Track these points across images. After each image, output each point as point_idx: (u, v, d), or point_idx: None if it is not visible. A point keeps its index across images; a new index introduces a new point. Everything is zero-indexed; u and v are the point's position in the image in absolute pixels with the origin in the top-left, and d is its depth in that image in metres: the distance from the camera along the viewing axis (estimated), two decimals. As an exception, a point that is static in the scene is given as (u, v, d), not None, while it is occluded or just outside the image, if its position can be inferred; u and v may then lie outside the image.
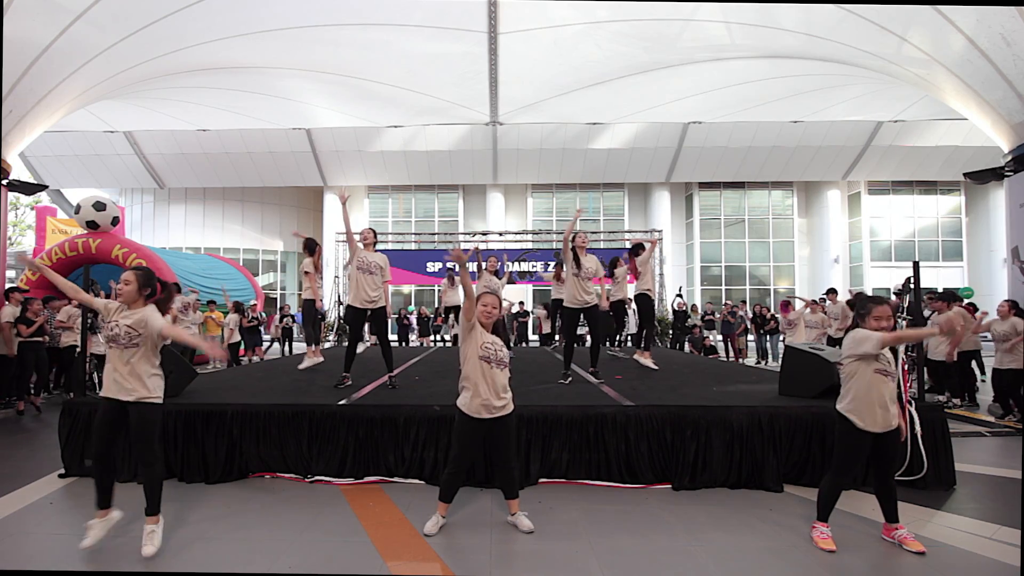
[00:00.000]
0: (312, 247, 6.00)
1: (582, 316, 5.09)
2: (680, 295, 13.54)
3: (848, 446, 2.75)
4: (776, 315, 11.33)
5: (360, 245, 4.85)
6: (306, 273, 5.95)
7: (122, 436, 2.75)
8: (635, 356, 6.10)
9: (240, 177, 19.20)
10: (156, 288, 2.81)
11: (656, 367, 5.84)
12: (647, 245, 6.20)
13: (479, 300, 2.98)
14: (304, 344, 6.29)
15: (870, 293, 18.51)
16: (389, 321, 5.04)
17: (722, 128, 16.43)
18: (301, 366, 5.74)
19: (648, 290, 6.09)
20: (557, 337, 10.79)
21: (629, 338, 9.85)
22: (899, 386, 3.59)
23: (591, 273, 4.97)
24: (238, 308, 10.55)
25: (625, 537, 2.85)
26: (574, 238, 4.99)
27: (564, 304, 5.11)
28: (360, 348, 7.30)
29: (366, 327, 5.17)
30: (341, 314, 13.46)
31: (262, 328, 11.47)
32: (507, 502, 3.00)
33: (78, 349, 6.72)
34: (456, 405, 2.96)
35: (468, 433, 2.90)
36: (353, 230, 4.89)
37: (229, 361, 10.30)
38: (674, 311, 12.89)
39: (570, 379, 4.95)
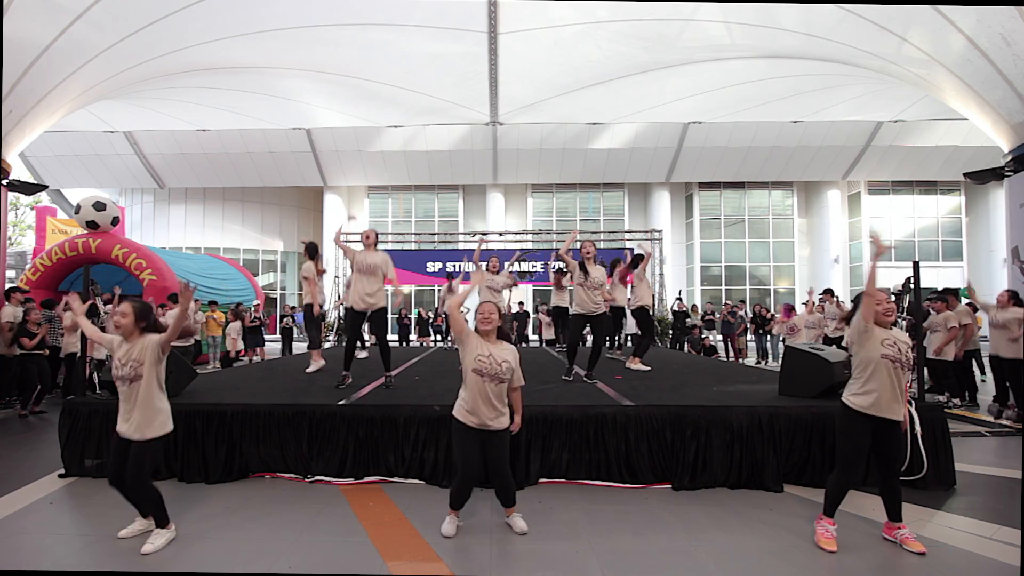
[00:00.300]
0: (313, 252, 5.98)
1: (588, 323, 5.10)
2: (680, 299, 13.58)
3: (848, 438, 2.79)
4: (775, 315, 11.33)
5: (359, 247, 4.87)
6: (305, 278, 5.93)
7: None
8: (627, 364, 6.13)
9: (240, 177, 19.19)
10: (153, 320, 2.85)
11: (647, 367, 5.89)
12: (644, 256, 6.29)
13: (477, 310, 2.99)
14: (306, 346, 6.32)
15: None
16: (389, 321, 5.04)
17: (722, 128, 16.43)
18: (308, 369, 5.74)
19: (645, 304, 6.17)
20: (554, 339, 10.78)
21: (628, 338, 9.87)
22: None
23: (598, 283, 4.96)
24: (238, 314, 10.56)
25: (625, 537, 2.85)
26: (581, 247, 5.00)
27: (572, 311, 5.13)
28: (363, 355, 7.30)
29: (365, 327, 5.18)
30: (341, 315, 13.47)
31: (263, 328, 11.49)
32: (506, 510, 3.00)
33: (78, 355, 6.72)
34: (452, 410, 2.94)
35: (464, 440, 2.87)
36: (349, 238, 4.91)
37: (222, 367, 10.32)
38: (674, 312, 12.92)
39: (573, 374, 5.02)
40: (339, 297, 13.92)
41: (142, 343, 2.75)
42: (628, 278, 6.45)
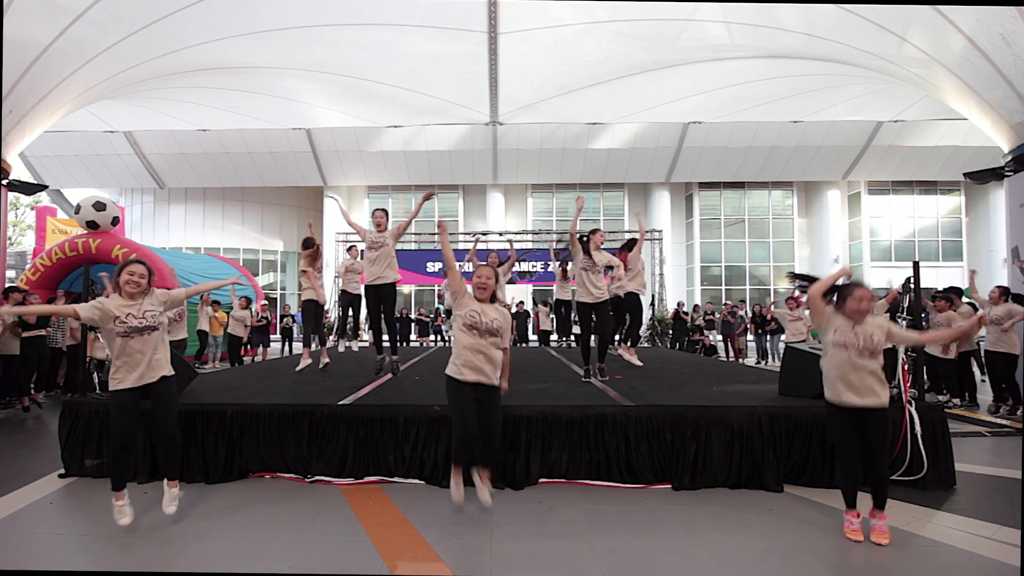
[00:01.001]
0: (308, 247, 5.95)
1: (592, 311, 5.07)
2: (681, 307, 13.60)
3: (830, 429, 2.98)
4: (776, 317, 11.36)
5: (372, 228, 4.90)
6: (303, 272, 5.91)
7: (141, 423, 3.04)
8: (619, 351, 6.11)
9: (240, 177, 19.19)
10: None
11: (640, 363, 5.90)
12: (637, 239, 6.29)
13: (474, 274, 3.08)
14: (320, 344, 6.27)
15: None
16: (397, 299, 5.05)
17: (722, 128, 16.42)
18: (297, 367, 5.70)
19: (639, 289, 6.16)
20: (556, 336, 10.78)
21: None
22: (899, 382, 3.61)
23: (601, 267, 4.93)
24: (248, 305, 10.61)
25: (625, 537, 2.85)
26: (592, 234, 4.99)
27: (577, 300, 5.11)
28: (355, 347, 7.33)
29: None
30: (340, 315, 13.50)
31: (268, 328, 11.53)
32: (479, 468, 3.03)
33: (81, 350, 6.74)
34: (445, 375, 3.02)
35: (459, 398, 2.94)
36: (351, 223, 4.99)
37: (230, 360, 10.34)
38: (674, 317, 12.96)
39: (593, 375, 4.99)
40: (337, 296, 13.93)
41: (155, 296, 3.00)
42: (621, 258, 6.42)
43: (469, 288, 3.10)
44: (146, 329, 2.88)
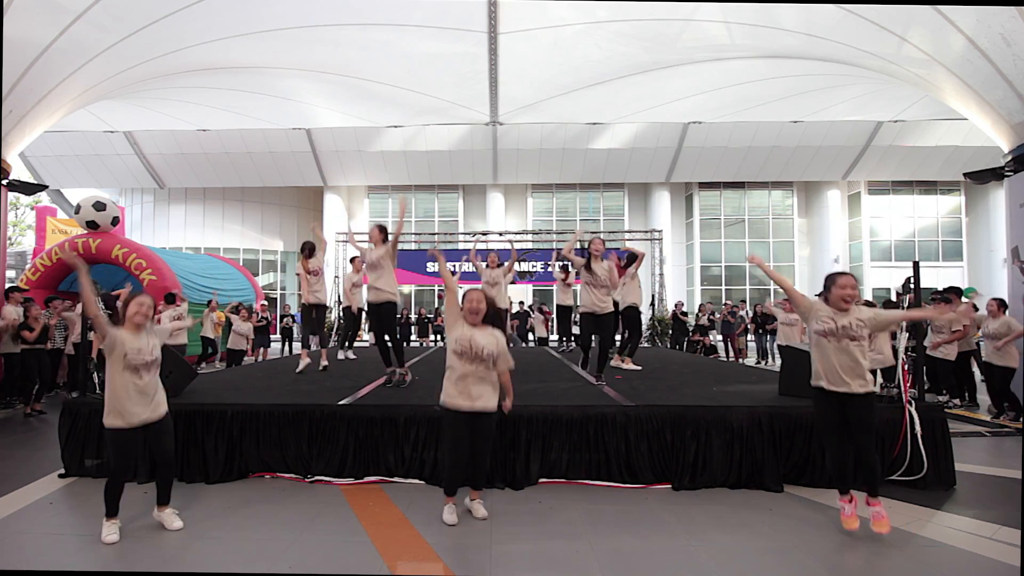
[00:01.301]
0: (302, 250, 5.91)
1: (596, 321, 5.09)
2: (682, 309, 13.60)
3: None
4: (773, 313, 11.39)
5: (368, 247, 4.88)
6: (297, 275, 5.94)
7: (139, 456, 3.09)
8: (613, 362, 6.09)
9: (240, 177, 19.19)
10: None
11: (638, 367, 5.91)
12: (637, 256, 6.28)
13: (464, 298, 3.04)
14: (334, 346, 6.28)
15: (869, 293, 18.52)
16: (396, 315, 4.98)
17: (722, 128, 16.42)
18: (297, 368, 5.73)
19: (636, 303, 6.18)
20: (556, 338, 10.77)
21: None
22: (899, 382, 3.61)
23: (603, 280, 4.96)
24: (250, 316, 10.50)
25: (625, 537, 2.85)
26: (590, 244, 5.00)
27: (581, 311, 5.15)
28: (351, 354, 7.37)
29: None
30: (340, 315, 13.50)
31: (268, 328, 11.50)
32: (470, 490, 3.10)
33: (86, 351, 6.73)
34: (441, 400, 3.03)
35: (454, 427, 2.95)
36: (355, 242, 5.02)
37: (228, 361, 10.31)
38: (674, 317, 12.96)
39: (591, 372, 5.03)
40: (339, 297, 13.93)
41: (155, 330, 3.06)
42: (617, 267, 6.44)
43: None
44: (152, 364, 2.91)
